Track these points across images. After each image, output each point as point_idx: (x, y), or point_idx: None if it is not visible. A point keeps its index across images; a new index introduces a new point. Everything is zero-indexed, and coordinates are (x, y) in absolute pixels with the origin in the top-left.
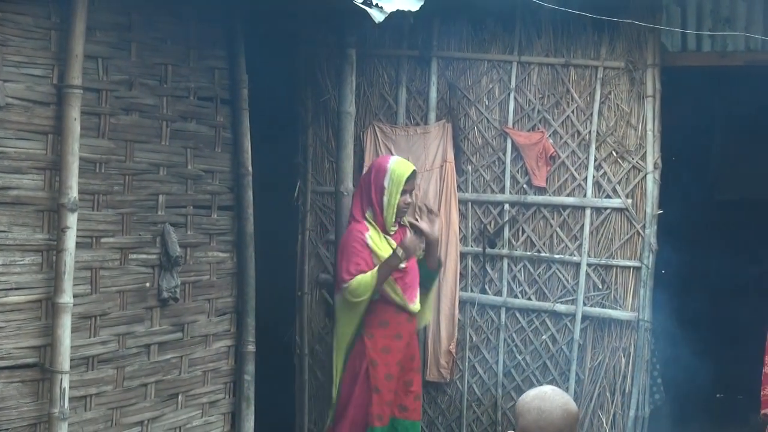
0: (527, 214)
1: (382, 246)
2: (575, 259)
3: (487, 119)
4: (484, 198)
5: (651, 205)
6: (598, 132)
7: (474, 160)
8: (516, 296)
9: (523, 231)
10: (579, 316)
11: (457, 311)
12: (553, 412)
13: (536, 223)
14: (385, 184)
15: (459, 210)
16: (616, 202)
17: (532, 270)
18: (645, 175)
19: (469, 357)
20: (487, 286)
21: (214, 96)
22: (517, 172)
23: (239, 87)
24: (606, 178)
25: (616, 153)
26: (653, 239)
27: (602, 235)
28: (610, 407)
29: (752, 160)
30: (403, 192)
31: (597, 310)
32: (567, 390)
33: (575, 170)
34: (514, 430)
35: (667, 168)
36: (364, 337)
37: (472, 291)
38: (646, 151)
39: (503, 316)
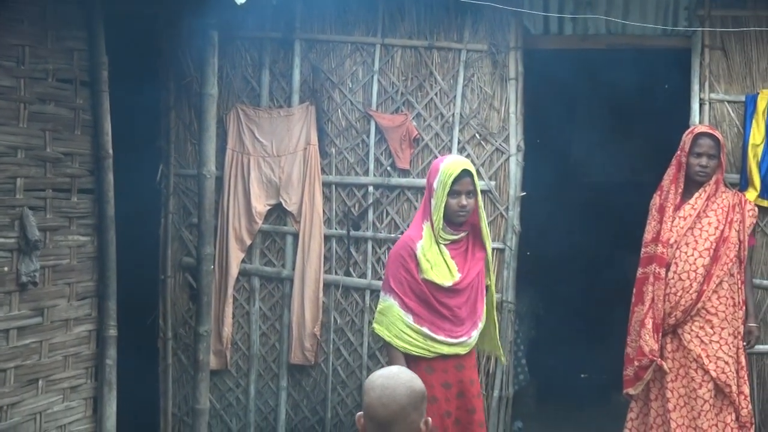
0: (391, 196)
1: (432, 258)
2: None
3: (351, 102)
4: (348, 180)
5: (514, 188)
6: (461, 114)
7: (338, 143)
8: (380, 278)
9: (387, 213)
10: None
11: (321, 294)
12: (396, 389)
13: (400, 206)
14: (435, 185)
15: (323, 192)
16: (479, 184)
17: None
18: (508, 158)
19: (333, 339)
20: (351, 269)
21: (73, 78)
22: (381, 154)
23: (99, 69)
24: (469, 160)
25: (480, 135)
26: (516, 221)
27: None
28: None
29: (614, 142)
30: (453, 193)
31: None
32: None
33: (439, 152)
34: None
35: (531, 150)
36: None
37: (336, 273)
38: (509, 134)
39: (368, 298)
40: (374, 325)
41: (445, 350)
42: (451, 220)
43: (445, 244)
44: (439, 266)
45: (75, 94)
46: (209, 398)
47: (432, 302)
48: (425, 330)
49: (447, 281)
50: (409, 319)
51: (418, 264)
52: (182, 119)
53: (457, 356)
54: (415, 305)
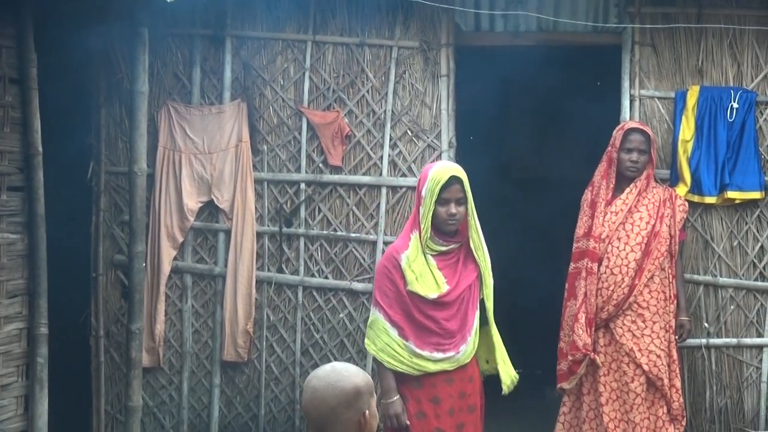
0: (323, 193)
1: (417, 269)
2: (372, 237)
3: (283, 99)
4: (280, 177)
5: None
6: (393, 111)
7: (269, 140)
8: (313, 275)
9: (320, 210)
10: None
11: (254, 291)
12: (325, 391)
13: (332, 202)
14: (423, 192)
15: (255, 189)
16: (411, 181)
17: (328, 249)
18: (440, 154)
19: (266, 336)
20: (284, 266)
21: (1, 75)
22: (313, 151)
23: (28, 66)
24: (401, 157)
25: (411, 132)
26: None
27: (398, 213)
28: None
29: (547, 138)
30: (442, 201)
31: None
32: (364, 368)
33: (371, 149)
34: None
35: (464, 147)
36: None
37: (269, 270)
38: (440, 130)
39: (300, 295)
40: (366, 339)
41: (431, 368)
42: (440, 229)
43: (433, 255)
44: (425, 278)
45: (4, 91)
46: (142, 396)
47: (417, 316)
48: (411, 345)
49: (432, 293)
50: (395, 333)
51: (403, 276)
52: (113, 116)
53: (445, 371)
54: (401, 318)
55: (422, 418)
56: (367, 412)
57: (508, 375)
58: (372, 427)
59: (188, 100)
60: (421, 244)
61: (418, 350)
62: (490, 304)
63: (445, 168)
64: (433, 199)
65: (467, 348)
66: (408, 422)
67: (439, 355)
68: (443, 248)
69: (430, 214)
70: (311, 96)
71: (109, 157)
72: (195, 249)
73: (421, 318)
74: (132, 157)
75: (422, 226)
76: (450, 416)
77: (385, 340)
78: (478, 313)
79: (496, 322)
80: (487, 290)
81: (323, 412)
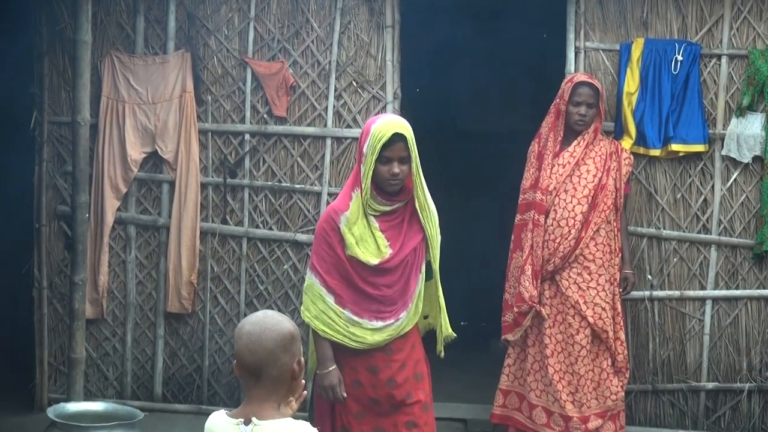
0: (268, 144)
1: (358, 231)
2: (316, 188)
3: (227, 49)
4: (225, 128)
5: None
6: (338, 62)
7: (214, 90)
8: (257, 226)
9: (264, 161)
10: None
11: (198, 242)
12: (262, 334)
13: (277, 153)
14: (365, 149)
15: (199, 140)
16: (356, 132)
17: (273, 200)
18: (385, 105)
19: (210, 287)
20: (228, 217)
21: None
22: (258, 102)
23: None
24: (346, 108)
25: (356, 83)
26: None
27: (343, 164)
28: None
29: (493, 92)
30: (384, 159)
31: None
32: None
33: (315, 100)
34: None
35: (409, 99)
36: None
37: (213, 222)
38: (385, 81)
39: (245, 246)
40: (302, 306)
41: (369, 339)
42: (382, 189)
43: (375, 216)
44: (366, 242)
45: None
46: (85, 347)
47: (356, 281)
48: (347, 313)
49: (373, 259)
50: (331, 299)
51: (342, 239)
52: (56, 66)
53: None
54: (338, 284)
55: (358, 387)
56: (301, 358)
57: (444, 334)
58: (301, 378)
59: (132, 50)
60: (363, 204)
61: (355, 318)
62: (436, 266)
63: (388, 123)
64: (374, 157)
65: (408, 314)
66: (345, 395)
67: (379, 324)
68: (386, 208)
69: (371, 172)
70: (256, 46)
71: (52, 106)
72: (139, 200)
73: (360, 284)
74: (75, 107)
75: (363, 186)
76: (388, 387)
77: (321, 307)
78: (422, 276)
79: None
80: (434, 251)
81: (260, 355)
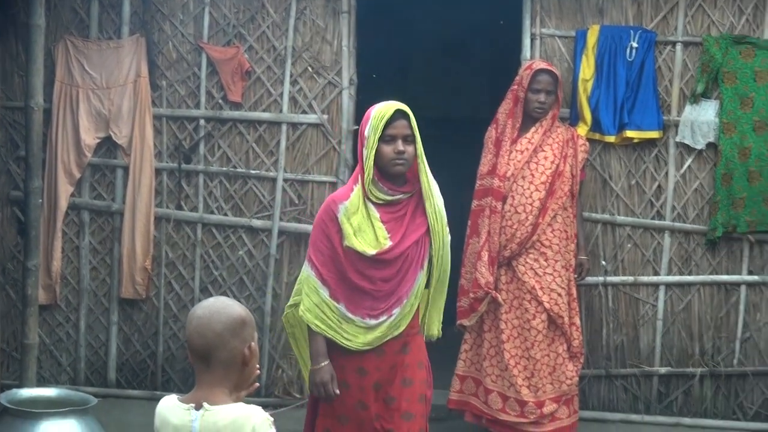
0: (223, 129)
1: (357, 221)
2: (271, 174)
3: (182, 34)
4: (179, 113)
5: (347, 121)
6: (293, 47)
7: (168, 75)
8: (212, 212)
9: (219, 147)
10: (275, 232)
11: (152, 228)
12: (211, 317)
13: (232, 139)
14: (366, 132)
15: (153, 125)
16: (311, 118)
17: (228, 186)
18: (341, 91)
19: (165, 273)
20: (183, 202)
21: None
22: (213, 87)
23: None
24: (302, 93)
25: (312, 68)
26: (349, 154)
27: (298, 150)
28: None
29: (451, 77)
30: (386, 139)
31: (293, 225)
32: (264, 304)
33: (271, 86)
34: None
35: (366, 85)
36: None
37: (167, 207)
38: (341, 67)
39: (199, 232)
40: (292, 297)
41: (360, 338)
42: (386, 171)
43: (377, 205)
44: (364, 231)
45: None
46: (39, 333)
47: (351, 275)
48: (341, 308)
49: (370, 249)
50: (325, 293)
51: (340, 229)
52: (9, 50)
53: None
54: (332, 278)
55: (345, 387)
56: (252, 344)
57: (427, 333)
58: (254, 364)
59: (86, 35)
60: (364, 191)
61: (349, 314)
62: (438, 262)
63: (388, 103)
64: (377, 136)
65: (402, 311)
66: (337, 391)
67: (372, 322)
68: (389, 197)
69: (373, 153)
70: (211, 31)
71: (5, 91)
72: (93, 185)
73: (355, 278)
74: (28, 92)
75: (366, 169)
76: (375, 390)
77: (315, 300)
78: (423, 274)
79: None
80: (436, 245)
81: (209, 338)
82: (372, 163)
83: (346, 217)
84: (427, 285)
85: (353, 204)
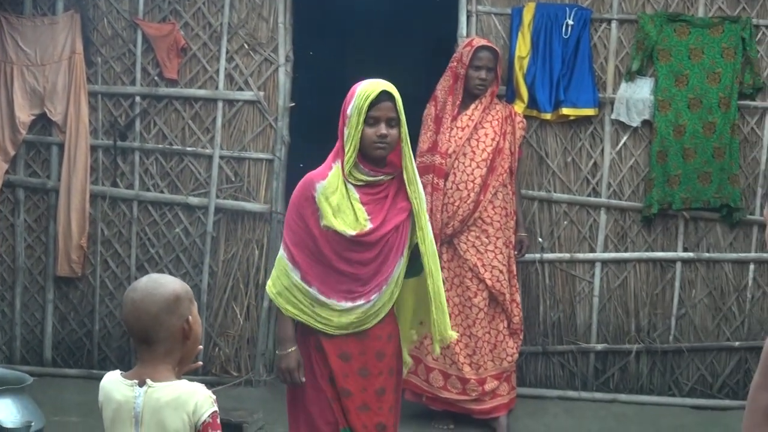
0: (159, 106)
1: (336, 201)
2: (208, 151)
3: (117, 10)
4: (115, 90)
5: (283, 98)
6: (229, 24)
7: (104, 52)
8: (148, 189)
9: (155, 123)
10: (212, 209)
11: (88, 205)
12: (144, 299)
13: (168, 116)
14: (349, 111)
15: (89, 102)
16: (248, 95)
17: (164, 163)
18: (277, 68)
19: (101, 251)
20: (118, 180)
21: None
22: (148, 64)
23: None
24: (238, 70)
25: (248, 45)
26: (286, 132)
27: (235, 127)
28: (244, 299)
29: (385, 55)
30: (370, 120)
31: (230, 203)
32: (200, 282)
33: (207, 62)
34: None
35: (303, 62)
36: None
37: (103, 184)
38: (278, 44)
39: (135, 209)
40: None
41: (334, 321)
42: (368, 154)
43: (356, 186)
44: (344, 212)
45: None
46: None
47: (329, 256)
48: (313, 291)
49: (350, 230)
50: (296, 276)
51: (317, 208)
52: None
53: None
54: (305, 260)
55: (329, 371)
56: (189, 317)
57: (440, 333)
58: (197, 333)
59: (20, 11)
60: (344, 172)
61: (322, 297)
62: (425, 249)
63: (374, 83)
64: (361, 118)
65: (381, 298)
66: (303, 379)
67: (348, 304)
68: (370, 178)
69: (358, 135)
70: (146, 8)
71: None
72: (27, 163)
73: (333, 259)
74: None
75: (346, 150)
76: (362, 377)
77: (285, 283)
78: (404, 260)
79: None
80: (421, 232)
81: (145, 321)
82: (354, 145)
83: (324, 197)
84: (407, 275)
85: (331, 183)
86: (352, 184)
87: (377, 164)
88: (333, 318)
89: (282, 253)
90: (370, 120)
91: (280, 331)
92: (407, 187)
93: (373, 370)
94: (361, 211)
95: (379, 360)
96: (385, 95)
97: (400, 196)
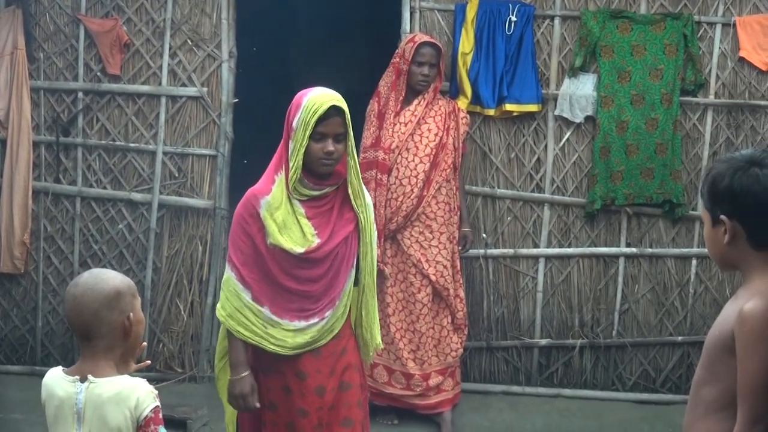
0: (102, 102)
1: (281, 217)
2: (151, 147)
3: (59, 5)
4: (57, 86)
5: (227, 94)
6: (173, 20)
7: (46, 47)
8: (91, 185)
9: (98, 119)
10: (155, 205)
11: (30, 201)
12: (84, 296)
13: (111, 112)
14: (295, 124)
15: (31, 98)
16: (191, 91)
17: (107, 159)
18: (220, 64)
19: (44, 247)
20: (61, 176)
21: None
22: (91, 59)
23: None
24: (181, 66)
25: (191, 41)
26: (229, 127)
27: (178, 123)
28: (188, 295)
29: (329, 51)
30: (317, 136)
31: (173, 199)
32: (144, 278)
33: (150, 58)
34: None
35: (246, 58)
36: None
37: (45, 181)
38: (221, 40)
39: (78, 205)
40: (218, 305)
41: (289, 341)
42: (312, 170)
43: (301, 201)
44: (290, 228)
45: None
46: None
47: (276, 275)
48: (266, 311)
49: (298, 247)
50: (247, 296)
51: (263, 226)
52: None
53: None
54: (255, 279)
55: (288, 394)
56: (131, 314)
57: (373, 344)
58: (138, 331)
59: None
60: (287, 187)
61: (275, 318)
62: (365, 265)
63: (323, 95)
64: (307, 133)
65: (335, 314)
66: (257, 404)
67: (302, 324)
68: (314, 192)
69: (302, 150)
70: (89, 3)
71: None
72: None
73: (281, 278)
74: None
75: (291, 165)
76: (318, 396)
77: (236, 304)
78: (353, 272)
79: None
80: (365, 248)
81: (86, 317)
82: (300, 161)
83: (269, 213)
84: (355, 283)
85: (276, 198)
86: (297, 199)
87: (322, 178)
88: (287, 339)
89: (230, 273)
90: (316, 135)
91: (231, 355)
92: (353, 201)
93: (327, 387)
94: (308, 226)
95: (332, 376)
96: (334, 110)
97: (345, 207)
